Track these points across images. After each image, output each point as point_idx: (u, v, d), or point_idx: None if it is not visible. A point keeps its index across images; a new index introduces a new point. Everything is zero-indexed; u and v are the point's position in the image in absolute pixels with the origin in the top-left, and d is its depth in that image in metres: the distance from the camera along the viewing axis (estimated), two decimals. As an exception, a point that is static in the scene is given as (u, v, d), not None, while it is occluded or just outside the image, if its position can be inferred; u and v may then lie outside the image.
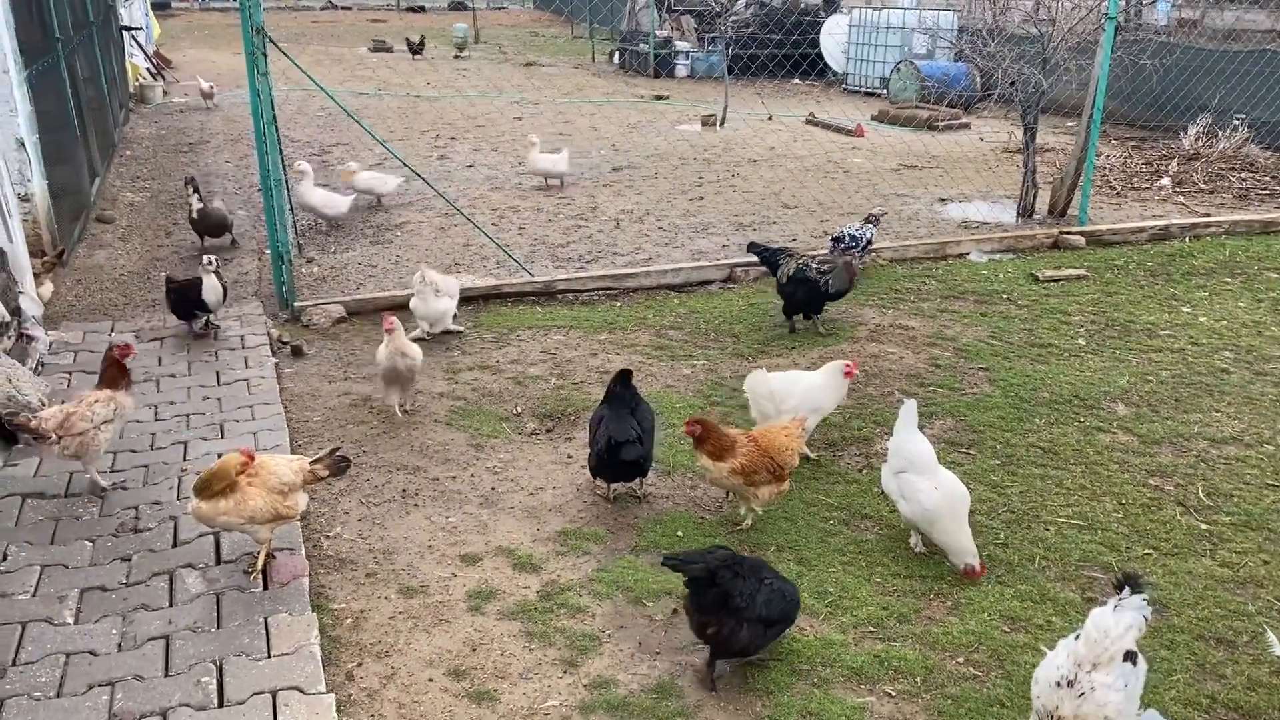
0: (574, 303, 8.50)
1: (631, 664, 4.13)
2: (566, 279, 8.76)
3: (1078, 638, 3.38)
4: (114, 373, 5.35)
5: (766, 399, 5.69)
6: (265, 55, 7.43)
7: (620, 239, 10.23)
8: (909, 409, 4.87)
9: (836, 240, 8.92)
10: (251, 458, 4.38)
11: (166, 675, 3.83)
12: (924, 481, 4.72)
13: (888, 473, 4.95)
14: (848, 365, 5.73)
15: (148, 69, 20.20)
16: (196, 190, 9.32)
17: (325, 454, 4.63)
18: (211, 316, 7.34)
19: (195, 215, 9.33)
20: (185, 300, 7.21)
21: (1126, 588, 3.38)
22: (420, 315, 7.38)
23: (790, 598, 4.08)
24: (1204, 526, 5.18)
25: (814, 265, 7.59)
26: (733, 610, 3.87)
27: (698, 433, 4.91)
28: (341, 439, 5.95)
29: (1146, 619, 3.38)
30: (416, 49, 25.26)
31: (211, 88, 17.66)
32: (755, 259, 8.29)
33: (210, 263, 7.26)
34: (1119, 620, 3.29)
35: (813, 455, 5.87)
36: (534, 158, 12.22)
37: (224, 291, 7.33)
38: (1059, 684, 3.37)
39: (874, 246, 9.11)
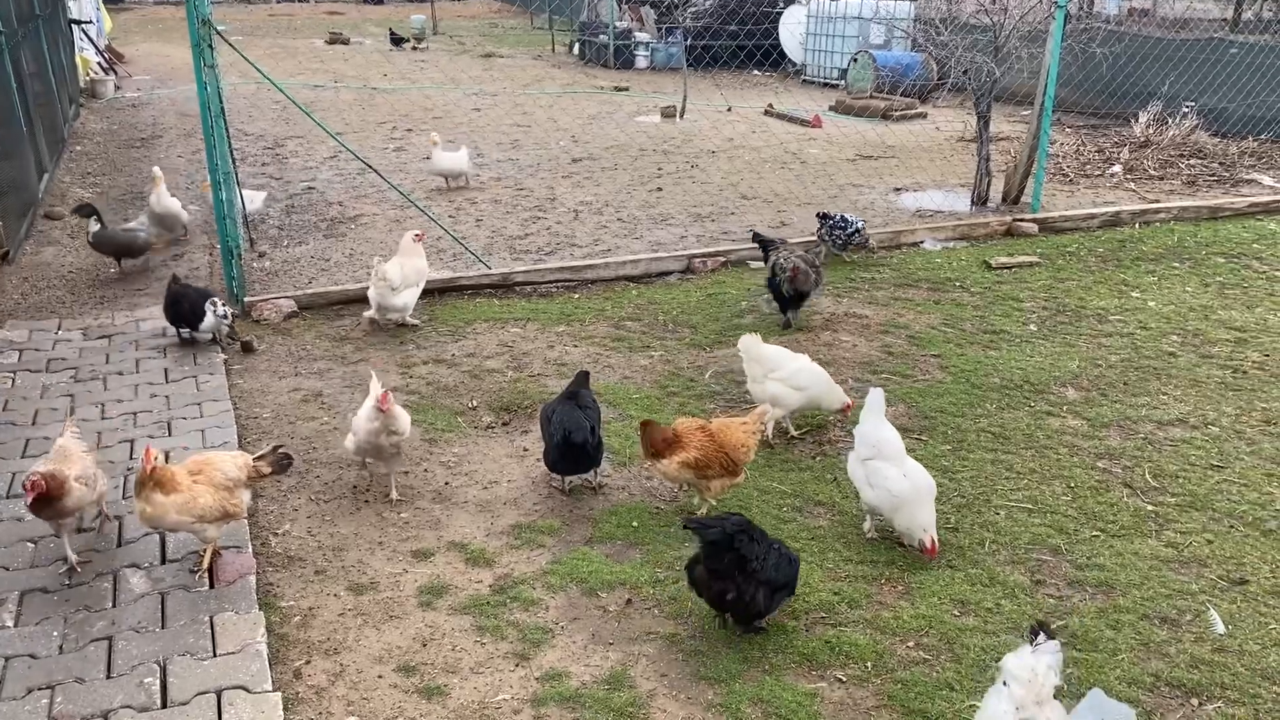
0: (532, 295, 8.47)
1: (584, 655, 4.12)
2: (524, 271, 8.72)
3: (1005, 684, 3.36)
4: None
5: (756, 361, 5.90)
6: (212, 48, 7.31)
7: (579, 230, 10.20)
8: (876, 396, 4.90)
9: (825, 217, 9.19)
10: (151, 458, 4.19)
11: (109, 677, 3.78)
12: (892, 469, 4.74)
13: (854, 460, 4.95)
14: (848, 402, 5.95)
15: (99, 63, 19.85)
16: (95, 214, 8.50)
17: (268, 450, 4.57)
18: (194, 333, 7.04)
19: (91, 239, 8.51)
20: (179, 312, 6.95)
21: (1041, 634, 3.42)
22: (378, 306, 7.33)
23: (795, 563, 4.26)
24: (1150, 508, 5.26)
25: (781, 264, 7.58)
26: (749, 574, 4.02)
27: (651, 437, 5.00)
28: (292, 435, 5.89)
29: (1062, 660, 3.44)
30: (400, 40, 25.80)
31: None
32: (747, 247, 8.66)
33: (215, 305, 6.98)
34: (1040, 660, 3.33)
35: (795, 434, 6.05)
36: (436, 157, 11.65)
37: (231, 317, 7.07)
38: None
39: (859, 236, 9.25)
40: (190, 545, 4.60)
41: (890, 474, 4.72)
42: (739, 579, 4.03)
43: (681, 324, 7.78)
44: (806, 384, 5.86)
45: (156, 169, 9.42)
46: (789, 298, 7.58)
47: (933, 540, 4.67)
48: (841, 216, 9.19)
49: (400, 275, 7.35)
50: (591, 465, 5.29)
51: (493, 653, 4.12)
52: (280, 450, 4.57)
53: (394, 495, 5.24)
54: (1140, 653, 4.16)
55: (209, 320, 6.92)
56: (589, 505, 5.27)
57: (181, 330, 7.07)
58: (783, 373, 5.87)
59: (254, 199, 10.17)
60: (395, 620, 4.31)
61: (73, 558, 4.46)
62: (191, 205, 10.82)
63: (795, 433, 6.04)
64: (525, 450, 5.80)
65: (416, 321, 7.63)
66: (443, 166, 11.71)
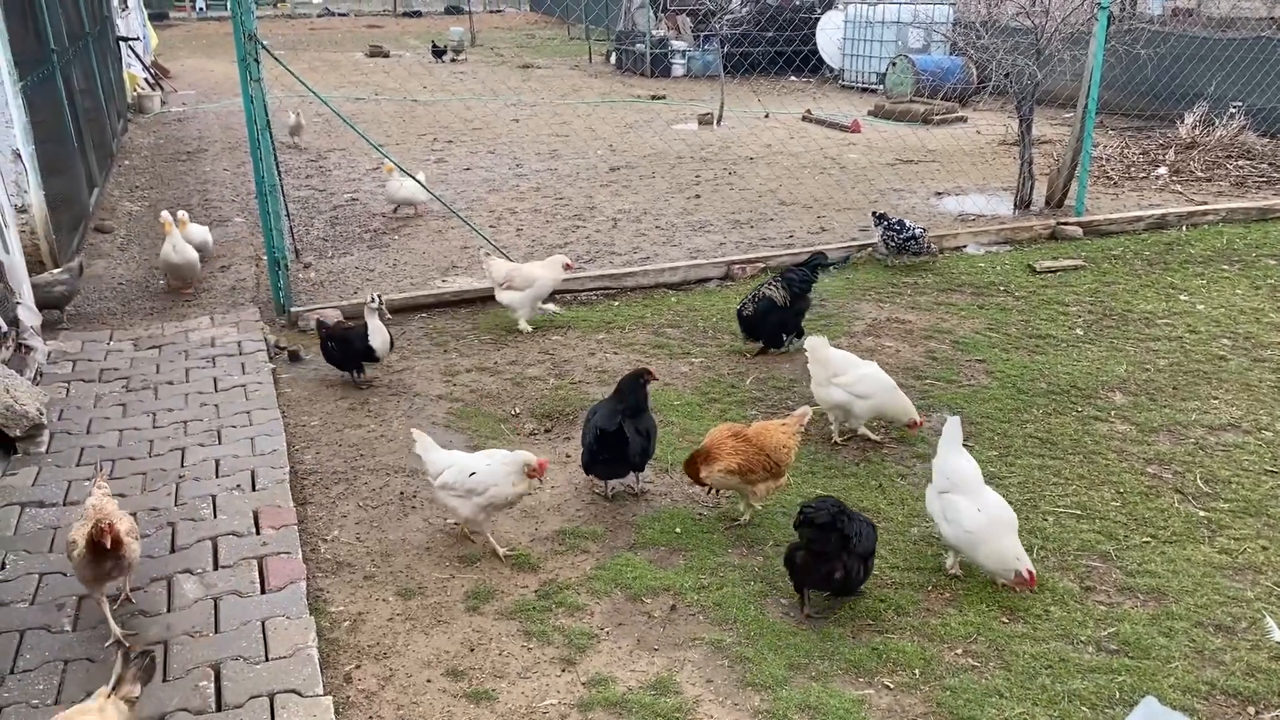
0: (571, 303, 8.51)
1: (630, 661, 4.13)
2: (565, 279, 8.75)
3: None
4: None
5: (821, 364, 5.87)
6: (258, 62, 7.44)
7: (618, 238, 10.23)
8: (953, 425, 4.72)
9: (882, 218, 9.21)
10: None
11: (165, 680, 3.84)
12: (966, 502, 4.51)
13: (931, 493, 4.73)
14: (919, 419, 5.90)
15: (145, 79, 20.25)
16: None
17: (122, 670, 3.38)
18: (362, 373, 6.70)
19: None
20: (349, 350, 6.58)
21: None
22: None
23: (874, 527, 4.48)
24: (1202, 513, 5.17)
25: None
26: (851, 551, 4.25)
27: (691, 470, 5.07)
28: (339, 442, 5.97)
29: None
30: (441, 51, 26.16)
31: (297, 115, 14.90)
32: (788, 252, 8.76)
33: (375, 301, 6.62)
34: None
35: (875, 437, 6.03)
36: (391, 186, 10.88)
37: (390, 338, 6.66)
38: None
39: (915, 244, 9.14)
40: (242, 551, 4.68)
41: (964, 508, 4.49)
42: (845, 557, 4.25)
43: (722, 330, 7.78)
44: (869, 391, 5.78)
45: (165, 214, 8.48)
46: (752, 327, 7.34)
47: (1029, 570, 4.41)
48: (899, 220, 9.15)
49: (503, 273, 7.64)
50: (629, 468, 5.29)
51: (539, 657, 4.15)
52: (137, 659, 3.45)
53: (504, 550, 4.86)
54: (1194, 660, 4.10)
55: (373, 324, 6.55)
56: (631, 511, 5.28)
57: (355, 373, 6.74)
58: (847, 378, 5.81)
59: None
60: (443, 625, 4.34)
61: (118, 631, 4.09)
62: (237, 217, 11.02)
63: (839, 439, 6.01)
64: (568, 457, 5.83)
65: (527, 328, 7.74)
66: (401, 195, 10.93)
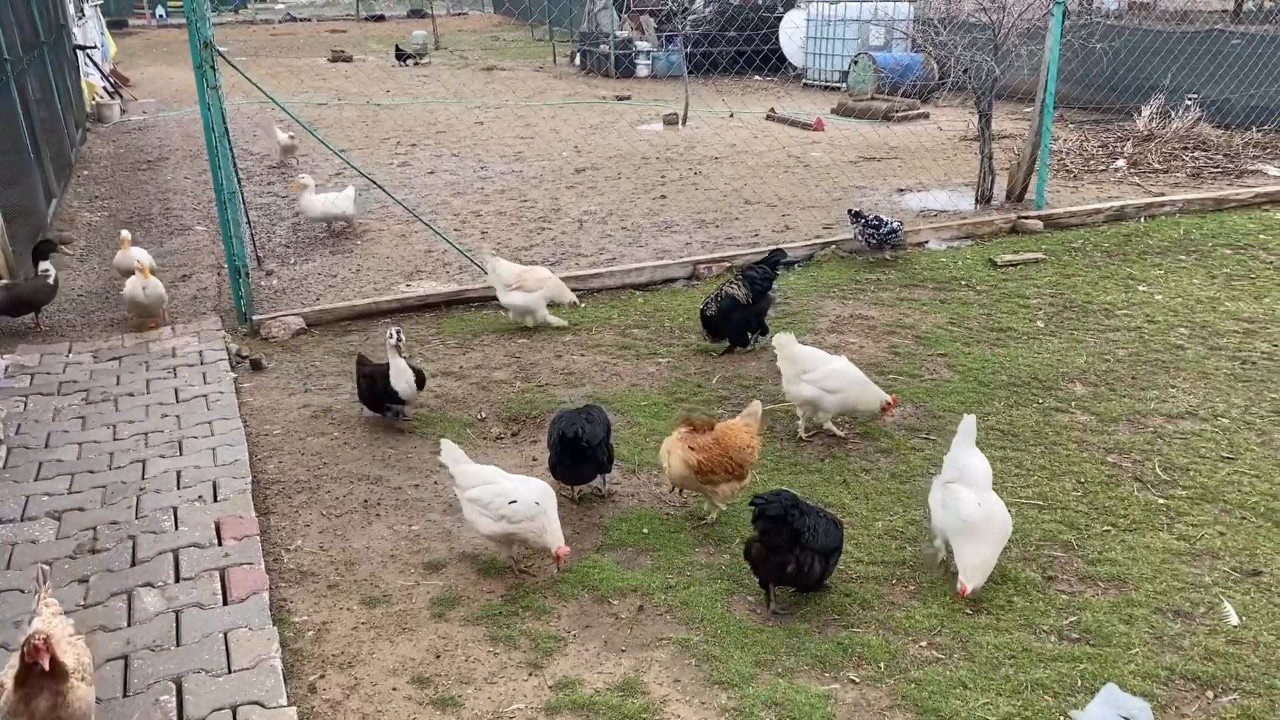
0: (537, 305, 8.48)
1: (597, 662, 4.13)
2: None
3: None
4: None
5: (789, 361, 5.90)
6: (215, 69, 7.37)
7: (584, 240, 10.23)
8: (968, 423, 4.68)
9: (859, 215, 9.29)
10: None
11: (125, 695, 3.80)
12: (970, 493, 4.47)
13: (936, 484, 4.71)
14: (891, 398, 5.91)
15: (104, 88, 20.00)
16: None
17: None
18: (404, 408, 6.24)
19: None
20: (374, 390, 6.13)
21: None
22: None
23: (840, 526, 4.49)
24: (1161, 501, 5.24)
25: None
26: (804, 545, 4.26)
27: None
28: (302, 451, 5.93)
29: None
30: (406, 56, 25.94)
31: (292, 138, 13.84)
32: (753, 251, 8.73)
33: (394, 337, 6.04)
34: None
35: (840, 433, 6.05)
36: (306, 200, 10.22)
37: (419, 377, 6.15)
38: None
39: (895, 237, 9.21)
40: (204, 563, 4.64)
41: (966, 498, 4.45)
42: (796, 551, 4.25)
43: (689, 330, 7.79)
44: (839, 386, 5.80)
45: (141, 258, 7.97)
46: (716, 327, 7.33)
47: (968, 585, 4.32)
48: (876, 216, 9.23)
49: (513, 275, 7.66)
50: (596, 470, 5.29)
51: (506, 662, 4.14)
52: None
53: (522, 566, 4.79)
54: (1154, 646, 4.15)
55: (395, 365, 6.03)
56: (599, 512, 5.28)
57: (386, 414, 6.27)
58: (816, 374, 5.84)
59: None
60: (408, 632, 4.32)
61: None
62: (198, 226, 10.92)
63: (804, 435, 6.04)
64: (534, 460, 5.82)
65: (530, 323, 7.81)
66: (318, 211, 10.29)
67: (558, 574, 4.66)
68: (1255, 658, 4.06)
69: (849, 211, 9.52)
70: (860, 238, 9.19)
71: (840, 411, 5.95)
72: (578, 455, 5.14)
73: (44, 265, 7.80)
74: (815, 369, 5.86)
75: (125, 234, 8.34)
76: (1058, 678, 3.95)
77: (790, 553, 4.26)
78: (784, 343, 5.94)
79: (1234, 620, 4.29)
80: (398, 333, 6.09)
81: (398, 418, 6.27)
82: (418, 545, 4.98)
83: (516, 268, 7.85)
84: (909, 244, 9.47)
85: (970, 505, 4.42)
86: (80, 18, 20.30)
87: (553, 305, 7.84)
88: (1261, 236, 9.80)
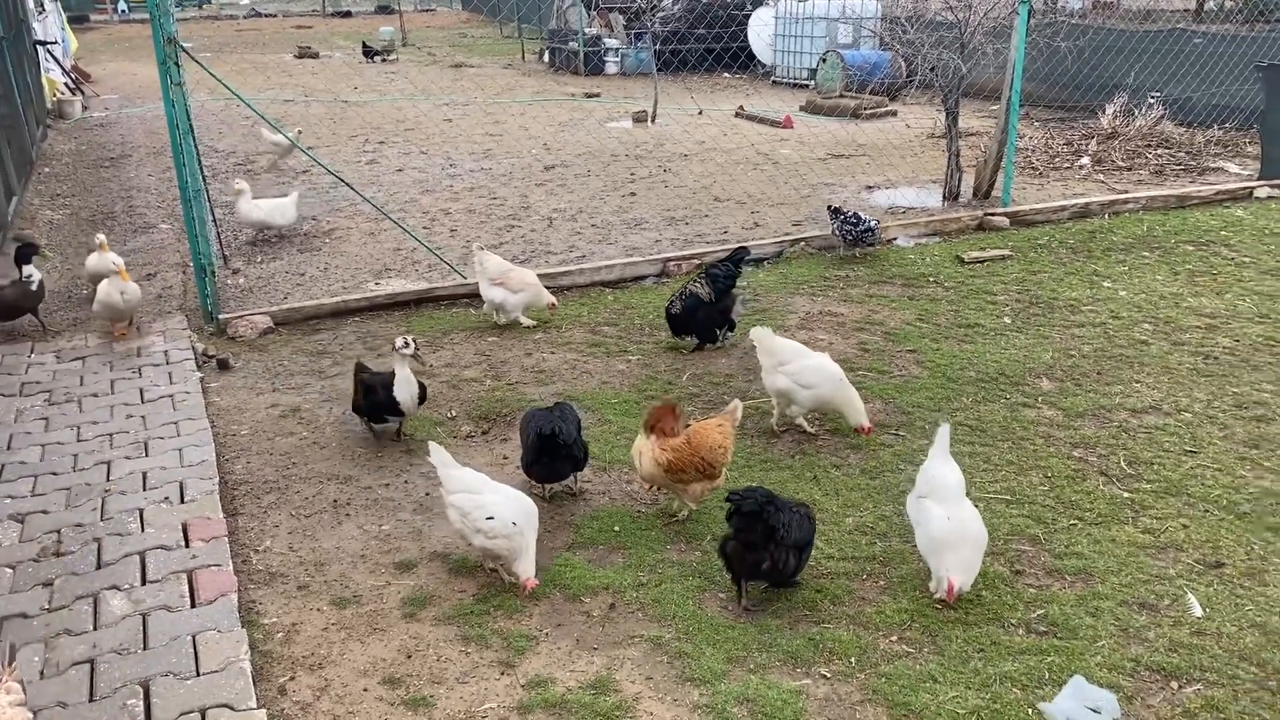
0: (507, 303, 8.45)
1: (569, 661, 4.13)
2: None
3: None
4: None
5: (767, 353, 5.93)
6: (179, 65, 7.29)
7: (553, 238, 10.21)
8: (942, 433, 4.63)
9: (837, 212, 9.31)
10: None
11: (91, 700, 3.75)
12: (938, 510, 4.41)
13: (912, 499, 4.66)
14: (868, 426, 5.89)
15: (65, 84, 19.71)
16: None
17: None
18: (403, 422, 6.02)
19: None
20: (372, 400, 5.83)
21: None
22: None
23: (812, 519, 4.52)
24: (1126, 495, 5.31)
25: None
26: (778, 541, 4.28)
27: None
28: (270, 451, 5.87)
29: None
30: (374, 53, 25.66)
31: (299, 131, 13.03)
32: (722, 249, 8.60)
33: (410, 345, 5.72)
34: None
35: (810, 430, 6.06)
36: (244, 207, 9.79)
37: (421, 390, 5.88)
38: None
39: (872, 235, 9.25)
40: (170, 565, 4.58)
41: (935, 514, 4.39)
42: (771, 547, 4.27)
43: (659, 327, 7.79)
44: (814, 381, 5.78)
45: (116, 260, 7.44)
46: (681, 325, 7.34)
47: (954, 587, 4.27)
48: (854, 213, 9.27)
49: (498, 268, 7.66)
50: (571, 468, 5.29)
51: (478, 661, 4.12)
52: None
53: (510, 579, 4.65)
54: (1120, 638, 4.21)
55: (401, 374, 5.76)
56: (570, 511, 5.28)
57: (390, 419, 5.99)
58: (792, 366, 5.82)
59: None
60: (379, 633, 4.30)
61: None
62: (163, 224, 10.79)
63: (778, 429, 6.05)
64: (505, 458, 5.80)
65: (501, 319, 7.82)
66: (254, 218, 9.92)
67: (521, 599, 4.52)
68: (1219, 649, 4.13)
69: (828, 207, 9.56)
70: (838, 234, 9.24)
71: (814, 408, 5.96)
72: (554, 453, 5.13)
73: (28, 270, 7.54)
74: (791, 361, 5.88)
75: (101, 237, 7.85)
76: (1026, 670, 3.99)
77: (765, 549, 4.28)
78: (762, 335, 5.99)
79: (1198, 612, 4.36)
80: (413, 341, 5.74)
81: (398, 435, 6.07)
82: (388, 545, 4.95)
83: (505, 264, 7.82)
84: (882, 241, 9.53)
85: (940, 522, 4.38)
86: (40, 12, 19.97)
87: (529, 309, 7.84)
88: (1223, 233, 9.96)
